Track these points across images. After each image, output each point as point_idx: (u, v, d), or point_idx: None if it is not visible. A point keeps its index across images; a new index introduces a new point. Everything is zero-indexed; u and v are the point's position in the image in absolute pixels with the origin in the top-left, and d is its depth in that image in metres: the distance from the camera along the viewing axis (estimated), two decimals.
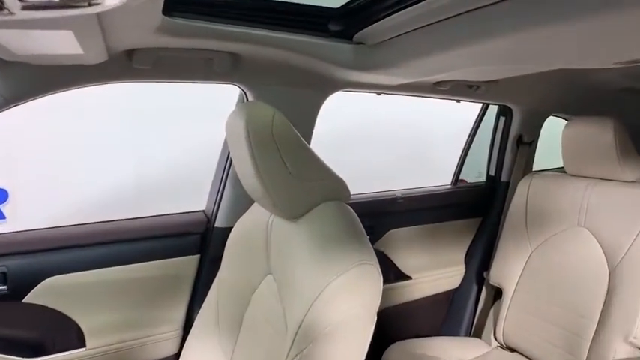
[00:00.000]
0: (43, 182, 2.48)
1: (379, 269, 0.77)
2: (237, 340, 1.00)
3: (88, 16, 0.53)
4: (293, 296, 0.80)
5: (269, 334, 0.90)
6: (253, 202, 1.02)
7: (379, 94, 1.43)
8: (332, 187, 0.89)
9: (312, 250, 0.79)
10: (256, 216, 1.00)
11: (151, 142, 2.74)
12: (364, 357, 0.76)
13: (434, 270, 1.81)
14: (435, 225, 1.79)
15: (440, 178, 1.95)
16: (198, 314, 1.09)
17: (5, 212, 2.50)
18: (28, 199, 2.48)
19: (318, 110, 1.31)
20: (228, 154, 1.30)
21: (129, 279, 1.23)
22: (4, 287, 1.09)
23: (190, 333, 1.09)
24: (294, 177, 0.83)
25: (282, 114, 0.84)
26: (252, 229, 1.00)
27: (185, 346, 1.09)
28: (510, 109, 1.77)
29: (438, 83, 1.37)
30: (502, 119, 1.83)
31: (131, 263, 1.22)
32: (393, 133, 3.52)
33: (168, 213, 1.36)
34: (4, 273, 1.08)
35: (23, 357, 1.13)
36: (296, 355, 0.73)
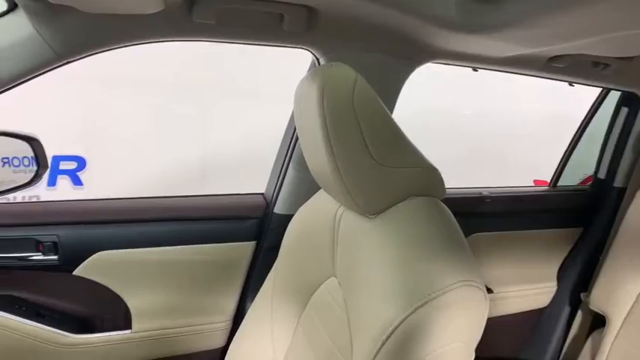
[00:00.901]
0: (117, 153, 2.55)
1: (486, 293, 0.58)
2: (291, 343, 0.88)
3: None
4: (364, 312, 0.63)
5: (327, 345, 0.76)
6: (319, 188, 0.87)
7: (476, 69, 1.20)
8: (423, 178, 0.70)
9: (395, 259, 0.62)
10: (321, 205, 0.85)
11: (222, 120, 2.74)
12: None
13: (520, 285, 1.56)
14: (526, 232, 1.54)
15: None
16: (251, 307, 0.98)
17: (82, 179, 2.61)
18: (103, 169, 2.58)
19: (402, 85, 1.11)
20: (295, 130, 1.15)
21: (180, 261, 1.15)
22: (55, 257, 1.04)
23: (241, 327, 0.98)
24: (376, 161, 0.66)
25: (365, 80, 0.67)
26: (315, 220, 0.85)
27: (234, 340, 0.99)
28: (638, 99, 1.45)
29: (554, 58, 1.11)
30: (624, 110, 1.50)
31: (183, 244, 1.14)
32: (451, 125, 3.21)
33: (225, 193, 1.26)
34: (54, 242, 1.04)
35: (71, 332, 1.08)
36: None
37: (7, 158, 1.71)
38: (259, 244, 1.22)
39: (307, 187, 1.01)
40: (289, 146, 1.18)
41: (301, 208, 0.93)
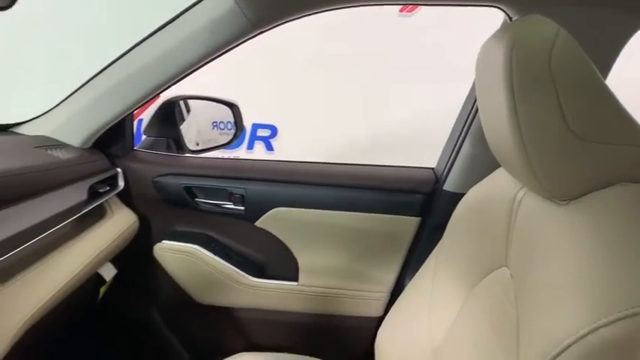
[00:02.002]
0: (303, 125, 2.80)
1: None
2: (450, 331, 0.81)
3: None
4: (543, 312, 0.53)
5: (489, 342, 0.68)
6: (498, 166, 0.76)
7: None
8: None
9: (597, 257, 0.50)
10: (499, 185, 0.75)
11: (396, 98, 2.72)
12: None
13: None
14: None
15: None
16: (410, 283, 0.95)
17: (274, 145, 2.95)
18: (290, 137, 2.86)
19: (621, 47, 0.88)
20: (475, 100, 1.04)
21: (346, 226, 1.19)
22: (242, 208, 1.19)
23: (398, 301, 0.97)
24: (575, 136, 0.53)
25: (569, 35, 0.54)
26: (490, 201, 0.76)
27: (390, 313, 0.98)
28: None
29: None
30: None
31: (351, 211, 1.17)
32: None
33: (394, 165, 1.24)
34: (242, 195, 1.18)
35: (250, 275, 1.24)
36: None
37: (216, 122, 2.01)
38: (424, 221, 1.17)
39: (483, 165, 0.91)
40: (467, 118, 1.07)
41: (475, 186, 0.84)
